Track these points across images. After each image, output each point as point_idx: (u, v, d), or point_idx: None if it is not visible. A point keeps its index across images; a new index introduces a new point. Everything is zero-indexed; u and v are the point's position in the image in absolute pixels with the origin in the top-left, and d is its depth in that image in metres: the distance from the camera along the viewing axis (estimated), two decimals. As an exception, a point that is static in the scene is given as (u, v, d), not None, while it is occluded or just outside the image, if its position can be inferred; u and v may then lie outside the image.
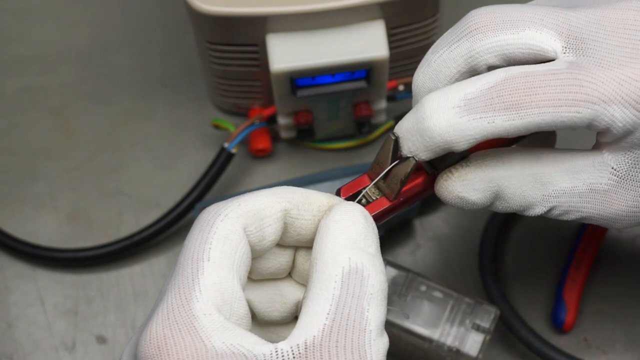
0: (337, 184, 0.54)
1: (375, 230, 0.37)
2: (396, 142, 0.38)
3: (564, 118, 0.37)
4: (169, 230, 0.57)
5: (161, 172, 0.60)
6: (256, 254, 0.36)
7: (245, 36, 0.53)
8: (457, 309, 0.49)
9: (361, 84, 0.54)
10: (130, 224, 0.58)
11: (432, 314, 0.49)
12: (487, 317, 0.49)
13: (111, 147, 0.61)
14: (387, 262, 0.50)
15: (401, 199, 0.39)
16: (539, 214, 0.40)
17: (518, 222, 0.58)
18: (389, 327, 0.50)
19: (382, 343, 0.34)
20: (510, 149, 0.40)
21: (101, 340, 0.55)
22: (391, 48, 0.54)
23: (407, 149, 0.38)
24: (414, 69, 0.59)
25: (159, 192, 0.59)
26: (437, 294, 0.50)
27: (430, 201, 0.58)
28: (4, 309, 0.57)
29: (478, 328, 0.49)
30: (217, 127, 0.59)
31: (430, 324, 0.49)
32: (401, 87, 0.57)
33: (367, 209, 0.38)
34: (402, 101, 0.59)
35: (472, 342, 0.49)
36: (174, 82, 0.63)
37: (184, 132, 0.62)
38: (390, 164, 0.38)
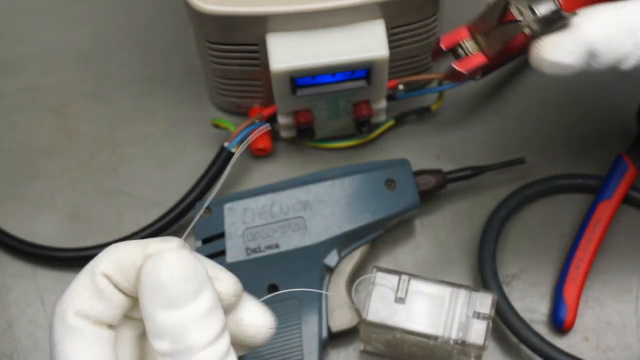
0: (337, 183, 0.54)
1: (198, 271, 0.35)
2: (505, 7, 0.39)
3: None
4: (169, 229, 0.57)
5: (161, 171, 0.60)
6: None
7: (245, 35, 0.53)
8: (456, 301, 0.49)
9: (361, 83, 0.54)
10: (130, 223, 0.58)
11: (432, 311, 0.49)
12: (486, 303, 0.49)
13: (111, 146, 0.61)
14: (378, 269, 0.50)
15: (499, 57, 0.40)
16: (632, 65, 0.40)
17: (518, 221, 0.58)
18: (391, 332, 0.49)
19: None
20: (595, 6, 0.40)
21: (101, 339, 0.55)
22: (391, 47, 0.54)
23: None
24: (414, 68, 0.59)
25: (159, 191, 0.59)
26: (434, 290, 0.50)
27: (430, 201, 0.58)
28: (3, 308, 0.57)
29: (479, 316, 0.49)
30: (217, 126, 0.59)
31: (432, 321, 0.49)
32: (401, 87, 0.57)
33: (463, 62, 0.39)
34: (402, 101, 0.59)
35: (476, 331, 0.49)
36: (174, 81, 0.64)
37: (184, 131, 0.62)
38: (496, 21, 0.39)
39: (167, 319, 0.34)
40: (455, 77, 0.41)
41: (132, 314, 0.37)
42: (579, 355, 0.52)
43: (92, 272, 0.35)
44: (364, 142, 0.60)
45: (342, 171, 0.55)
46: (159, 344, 0.34)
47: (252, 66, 0.56)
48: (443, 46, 0.39)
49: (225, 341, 0.35)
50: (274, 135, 0.60)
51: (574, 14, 0.40)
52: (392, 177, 0.55)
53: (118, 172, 0.61)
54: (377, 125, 0.60)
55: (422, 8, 0.54)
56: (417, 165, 0.56)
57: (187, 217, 0.57)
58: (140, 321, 0.37)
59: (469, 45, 0.40)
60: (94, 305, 0.35)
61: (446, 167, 0.57)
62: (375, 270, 0.50)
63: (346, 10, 0.52)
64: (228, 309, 0.37)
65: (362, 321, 0.50)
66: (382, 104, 0.58)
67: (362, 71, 0.54)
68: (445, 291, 0.50)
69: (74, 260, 0.57)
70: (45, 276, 0.57)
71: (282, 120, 0.57)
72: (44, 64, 0.65)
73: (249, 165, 0.60)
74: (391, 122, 0.60)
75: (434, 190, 0.56)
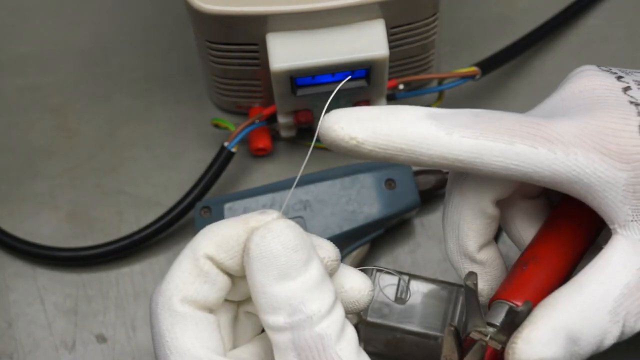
0: (337, 183, 0.54)
1: (305, 239, 0.34)
2: (456, 330, 0.37)
3: (519, 150, 0.36)
4: (169, 229, 0.57)
5: (161, 171, 0.60)
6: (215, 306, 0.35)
7: (245, 35, 0.53)
8: (456, 300, 0.49)
9: (361, 83, 0.54)
10: (130, 223, 0.58)
11: (432, 310, 0.49)
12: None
13: (111, 146, 0.61)
14: (378, 269, 0.50)
15: None
16: (613, 340, 0.38)
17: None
18: (391, 332, 0.49)
19: None
20: (555, 292, 0.38)
21: (101, 339, 0.55)
22: (391, 47, 0.54)
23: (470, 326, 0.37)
24: (414, 68, 0.59)
25: (159, 191, 0.59)
26: (433, 290, 0.50)
27: (430, 201, 0.58)
28: (3, 308, 0.57)
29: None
30: (217, 126, 0.59)
31: (433, 321, 0.49)
32: (401, 87, 0.57)
33: None
34: (402, 100, 0.59)
35: None
36: (174, 81, 0.64)
37: (184, 131, 0.62)
38: (459, 355, 0.37)
39: (281, 290, 0.33)
40: None
41: (228, 297, 0.36)
42: None
43: (194, 256, 0.34)
44: (364, 142, 0.60)
45: (342, 171, 0.55)
46: (275, 319, 0.33)
47: (252, 66, 0.56)
48: None
49: (340, 309, 0.34)
50: (274, 135, 0.60)
51: (527, 303, 0.38)
52: (392, 176, 0.55)
53: (118, 172, 0.61)
54: (377, 125, 0.60)
55: (422, 8, 0.54)
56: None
57: (187, 217, 0.57)
58: (234, 304, 0.37)
59: None
60: (199, 289, 0.34)
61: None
62: (375, 270, 0.50)
63: (346, 10, 0.52)
64: (329, 275, 0.35)
65: (362, 321, 0.50)
66: (382, 103, 0.58)
67: (362, 71, 0.54)
68: (445, 291, 0.50)
69: (74, 260, 0.57)
70: (45, 276, 0.57)
71: (282, 120, 0.57)
72: (44, 64, 0.65)
73: (249, 165, 0.60)
74: (391, 122, 0.60)
75: (434, 190, 0.57)
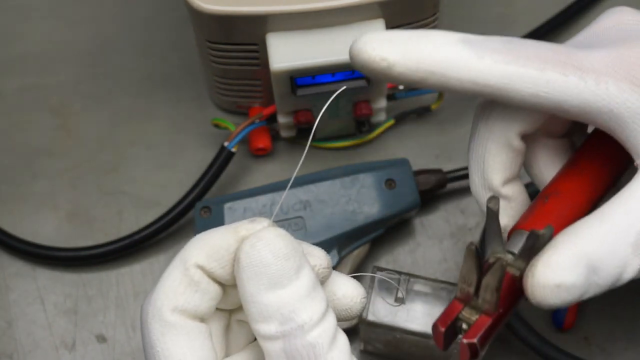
0: (337, 183, 0.54)
1: (295, 247, 0.34)
2: (477, 252, 0.36)
3: (549, 77, 0.36)
4: (169, 229, 0.57)
5: (161, 171, 0.60)
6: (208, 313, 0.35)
7: (245, 35, 0.53)
8: None
9: (361, 83, 0.54)
10: (130, 223, 0.58)
11: (431, 310, 0.49)
12: None
13: (111, 146, 0.61)
14: (378, 269, 0.50)
15: (501, 310, 0.37)
16: (633, 274, 0.37)
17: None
18: (391, 332, 0.49)
19: None
20: (578, 222, 0.38)
21: (101, 339, 0.55)
22: (391, 47, 0.53)
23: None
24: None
25: (159, 191, 0.59)
26: (433, 289, 0.50)
27: (430, 200, 0.58)
28: (3, 308, 0.57)
29: (478, 316, 0.49)
30: (217, 126, 0.59)
31: (432, 321, 0.49)
32: (401, 87, 0.57)
33: (471, 333, 0.36)
34: (402, 100, 0.59)
35: None
36: (174, 81, 0.64)
37: (184, 131, 0.62)
38: (477, 276, 0.36)
39: (272, 299, 0.33)
40: (471, 354, 0.37)
41: (219, 305, 0.36)
42: (579, 355, 0.52)
43: (184, 265, 0.34)
44: (364, 142, 0.60)
45: (342, 171, 0.55)
46: (266, 327, 0.33)
47: (252, 66, 0.56)
48: (441, 328, 0.36)
49: (332, 318, 0.34)
50: (274, 135, 0.60)
51: (549, 228, 0.37)
52: (392, 176, 0.55)
53: (118, 172, 0.61)
54: (377, 125, 0.60)
55: (422, 8, 0.54)
56: (417, 165, 0.57)
57: (187, 217, 0.57)
58: (225, 312, 0.37)
59: (466, 313, 0.37)
60: (190, 299, 0.34)
61: (446, 166, 0.57)
62: (375, 270, 0.50)
63: (346, 9, 0.52)
64: (321, 283, 0.35)
65: (362, 321, 0.50)
66: (382, 103, 0.58)
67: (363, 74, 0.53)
68: (445, 291, 0.50)
69: (74, 260, 0.57)
70: (45, 276, 0.57)
71: (282, 119, 0.57)
72: (44, 64, 0.65)
73: (249, 165, 0.60)
74: (391, 122, 0.60)
75: (434, 190, 0.57)
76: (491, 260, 0.37)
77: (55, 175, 0.61)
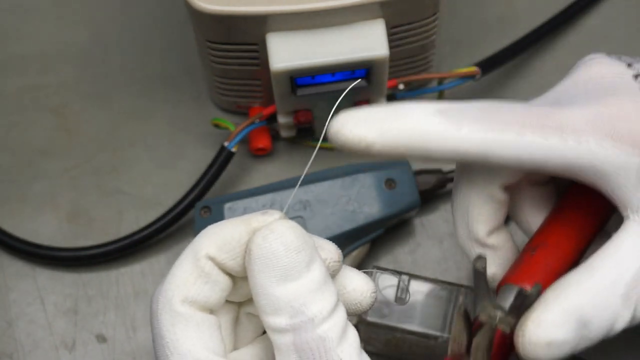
0: (337, 183, 0.54)
1: (307, 240, 0.34)
2: (466, 312, 0.37)
3: (529, 140, 0.36)
4: (169, 229, 0.57)
5: (161, 171, 0.60)
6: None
7: (245, 35, 0.53)
8: (456, 300, 0.49)
9: (361, 83, 0.54)
10: (130, 223, 0.58)
11: (433, 310, 0.49)
12: None
13: (111, 146, 0.61)
14: (378, 269, 0.50)
15: None
16: (624, 324, 0.37)
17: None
18: (391, 332, 0.49)
19: None
20: (565, 276, 0.38)
21: (101, 339, 0.55)
22: (391, 47, 0.54)
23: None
24: (414, 67, 0.59)
25: (159, 191, 0.59)
26: (434, 290, 0.50)
27: (430, 200, 0.58)
28: (3, 307, 0.57)
29: (478, 316, 0.49)
30: (217, 126, 0.59)
31: (433, 321, 0.49)
32: (401, 86, 0.57)
33: None
34: (402, 100, 0.59)
35: None
36: (174, 81, 0.64)
37: (184, 131, 0.62)
38: (468, 337, 0.37)
39: (283, 291, 0.33)
40: None
41: (229, 298, 0.36)
42: (578, 355, 0.52)
43: (195, 256, 0.34)
44: (364, 142, 0.60)
45: (342, 171, 0.55)
46: (276, 320, 0.33)
47: (252, 66, 0.56)
48: None
49: (342, 311, 0.34)
50: (274, 135, 0.60)
51: (537, 286, 0.38)
52: (392, 176, 0.54)
53: (118, 172, 0.61)
54: (377, 125, 0.60)
55: (422, 7, 0.54)
56: (417, 165, 0.56)
57: (187, 217, 0.57)
58: (235, 305, 0.37)
59: None
60: (200, 290, 0.34)
61: (446, 166, 0.57)
62: (375, 270, 0.50)
63: (346, 9, 0.52)
64: (331, 277, 0.35)
65: (362, 321, 0.50)
66: (382, 103, 0.58)
67: (362, 71, 0.54)
68: (445, 291, 0.50)
69: (74, 260, 0.57)
70: (45, 276, 0.57)
71: (282, 119, 0.57)
72: (44, 64, 0.65)
73: (249, 165, 0.60)
74: (391, 122, 0.60)
75: (434, 190, 0.56)
76: (481, 318, 0.38)
77: (55, 175, 0.61)
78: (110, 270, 0.57)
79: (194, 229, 0.55)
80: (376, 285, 0.49)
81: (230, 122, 0.58)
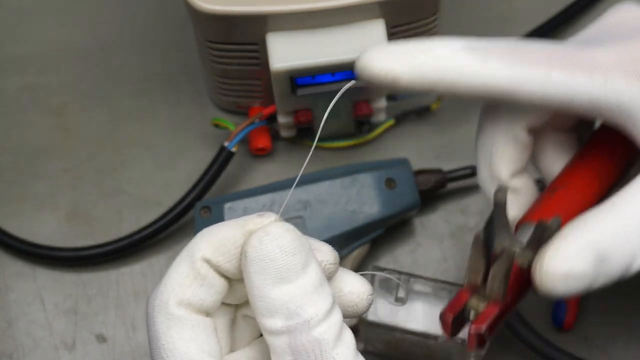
0: (337, 183, 0.54)
1: (303, 242, 0.34)
2: (485, 242, 0.36)
3: (555, 77, 0.36)
4: (169, 229, 0.57)
5: (161, 171, 0.60)
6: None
7: (245, 35, 0.53)
8: None
9: (361, 83, 0.54)
10: (130, 223, 0.58)
11: (432, 311, 0.49)
12: None
13: (111, 145, 0.61)
14: (377, 269, 0.50)
15: (508, 299, 0.37)
16: None
17: (518, 221, 0.58)
18: (391, 332, 0.49)
19: None
20: (586, 212, 0.38)
21: (101, 339, 0.55)
22: (391, 47, 0.53)
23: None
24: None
25: (159, 191, 0.59)
26: (433, 289, 0.50)
27: (430, 200, 0.58)
28: (3, 307, 0.57)
29: (479, 312, 0.49)
30: (217, 126, 0.59)
31: (432, 321, 0.49)
32: (401, 86, 0.57)
33: (479, 321, 0.36)
34: (402, 101, 0.59)
35: None
36: (174, 81, 0.64)
37: (184, 131, 0.62)
38: (485, 265, 0.36)
39: (279, 293, 0.33)
40: (478, 342, 0.37)
41: (225, 300, 0.36)
42: (579, 355, 0.52)
43: (191, 259, 0.34)
44: (364, 142, 0.60)
45: (342, 171, 0.55)
46: (272, 322, 0.33)
47: (252, 65, 0.56)
48: (449, 316, 0.36)
49: (338, 313, 0.34)
50: (274, 134, 0.60)
51: (557, 218, 0.37)
52: (392, 176, 0.54)
53: (118, 172, 0.61)
54: (377, 125, 0.60)
55: (422, 7, 0.54)
56: (417, 165, 0.56)
57: (188, 217, 0.57)
58: (231, 307, 0.37)
59: (475, 302, 0.37)
60: (196, 292, 0.34)
61: (446, 166, 0.57)
62: (375, 270, 0.50)
63: (346, 9, 0.52)
64: (328, 279, 0.35)
65: (362, 321, 0.50)
66: (382, 103, 0.58)
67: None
68: (445, 291, 0.50)
69: (74, 260, 0.57)
70: (45, 276, 0.57)
71: (282, 119, 0.57)
72: (44, 64, 0.65)
73: (249, 165, 0.60)
74: (391, 122, 0.60)
75: (434, 190, 0.56)
76: (499, 251, 0.37)
77: (55, 175, 0.61)
78: (110, 270, 0.57)
79: (194, 229, 0.55)
80: (376, 285, 0.49)
81: (230, 122, 0.58)
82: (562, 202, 0.39)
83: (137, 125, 0.62)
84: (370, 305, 0.37)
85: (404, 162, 0.55)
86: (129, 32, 0.66)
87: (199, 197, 0.56)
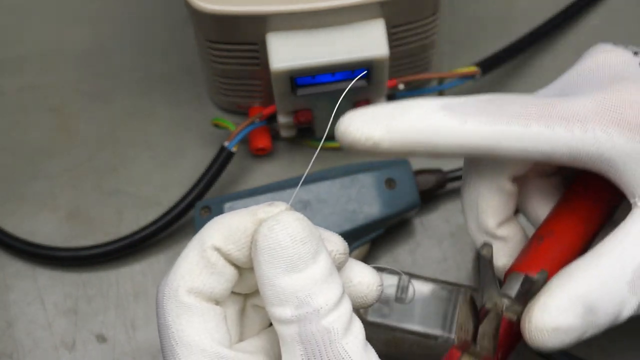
0: (337, 183, 0.54)
1: (313, 231, 0.34)
2: (472, 299, 0.37)
3: (535, 134, 0.36)
4: (169, 228, 0.57)
5: (161, 171, 0.60)
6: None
7: (246, 35, 0.53)
8: (456, 300, 0.49)
9: (361, 82, 0.54)
10: (130, 223, 0.58)
11: (432, 310, 0.49)
12: None
13: (111, 145, 0.62)
14: (377, 269, 0.50)
15: (499, 355, 0.37)
16: (631, 311, 0.37)
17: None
18: (391, 332, 0.49)
19: None
20: (572, 263, 0.38)
21: (101, 339, 0.55)
22: (391, 47, 0.54)
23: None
24: (414, 67, 0.59)
25: (159, 191, 0.59)
26: (434, 289, 0.50)
27: (430, 200, 0.58)
28: (3, 307, 0.57)
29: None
30: (217, 126, 0.59)
31: (432, 320, 0.49)
32: (401, 86, 0.57)
33: None
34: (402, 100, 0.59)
35: None
36: (174, 80, 0.64)
37: (184, 130, 0.62)
38: (474, 324, 0.36)
39: (289, 282, 0.33)
40: None
41: (235, 289, 0.36)
42: (579, 355, 0.52)
43: (202, 247, 0.34)
44: (364, 142, 0.60)
45: (342, 171, 0.55)
46: (281, 311, 0.33)
47: (252, 65, 0.56)
48: None
49: (347, 304, 0.34)
50: (274, 134, 0.60)
51: (543, 272, 0.37)
52: (392, 176, 0.54)
53: (118, 172, 0.61)
54: (377, 125, 0.60)
55: (422, 7, 0.54)
56: (417, 165, 0.56)
57: (188, 217, 0.57)
58: (241, 296, 0.37)
59: None
60: (206, 280, 0.34)
61: (446, 166, 0.57)
62: (375, 269, 0.50)
63: (346, 9, 0.52)
64: (337, 269, 0.35)
65: (362, 321, 0.50)
66: (383, 103, 0.57)
67: (362, 70, 0.54)
68: (445, 291, 0.50)
69: (74, 260, 0.57)
70: (45, 276, 0.57)
71: (282, 119, 0.57)
72: (44, 64, 0.65)
73: (249, 165, 0.60)
74: (391, 122, 0.60)
75: (434, 190, 0.57)
76: (488, 306, 0.38)
77: (55, 175, 0.61)
78: (110, 270, 0.57)
79: (194, 229, 0.55)
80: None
81: (230, 122, 0.58)
82: (550, 251, 0.40)
83: (137, 125, 0.62)
84: (379, 296, 0.37)
85: (404, 162, 0.55)
86: (129, 32, 0.66)
87: (199, 197, 0.56)
